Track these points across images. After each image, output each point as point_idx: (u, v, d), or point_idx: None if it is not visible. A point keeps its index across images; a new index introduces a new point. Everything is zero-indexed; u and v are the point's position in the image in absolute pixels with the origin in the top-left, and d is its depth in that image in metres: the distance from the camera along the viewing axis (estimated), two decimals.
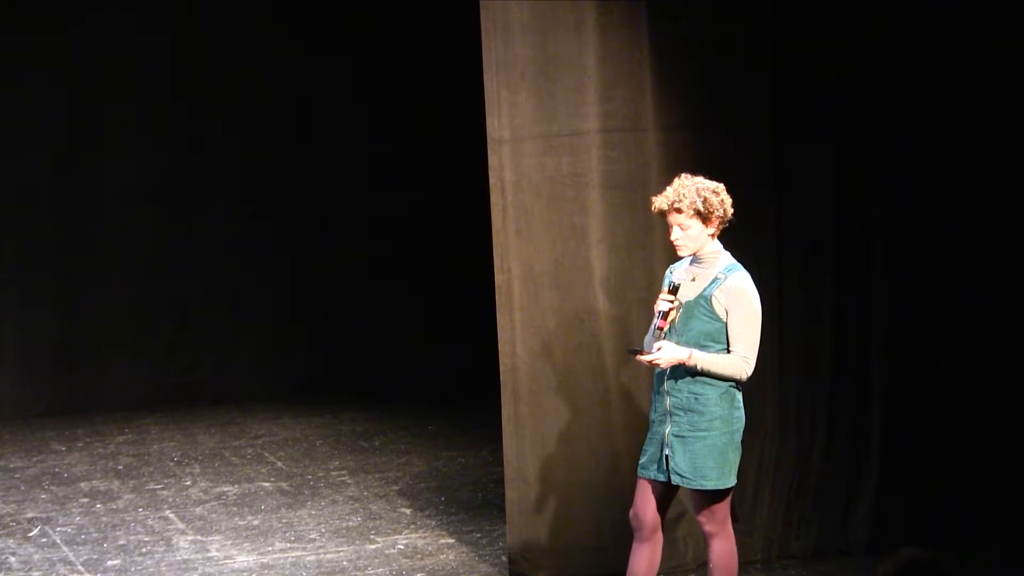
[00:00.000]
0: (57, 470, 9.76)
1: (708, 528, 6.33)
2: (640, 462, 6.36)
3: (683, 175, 6.25)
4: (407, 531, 8.36)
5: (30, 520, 8.65)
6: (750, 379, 6.23)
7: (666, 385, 6.24)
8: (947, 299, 7.81)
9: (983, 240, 7.81)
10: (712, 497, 6.25)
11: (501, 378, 7.35)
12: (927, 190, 7.72)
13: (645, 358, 6.16)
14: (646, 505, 6.34)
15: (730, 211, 6.21)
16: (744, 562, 7.47)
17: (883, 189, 7.68)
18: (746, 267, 6.26)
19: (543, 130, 7.28)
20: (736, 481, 6.29)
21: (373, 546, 8.11)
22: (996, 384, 7.89)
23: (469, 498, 8.99)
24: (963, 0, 7.63)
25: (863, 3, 7.58)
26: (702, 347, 6.15)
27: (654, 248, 7.35)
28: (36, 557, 7.99)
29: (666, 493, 6.34)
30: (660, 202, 6.21)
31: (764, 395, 7.54)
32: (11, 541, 8.26)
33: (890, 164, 7.67)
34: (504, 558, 7.66)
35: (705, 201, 6.13)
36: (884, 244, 7.70)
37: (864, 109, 7.61)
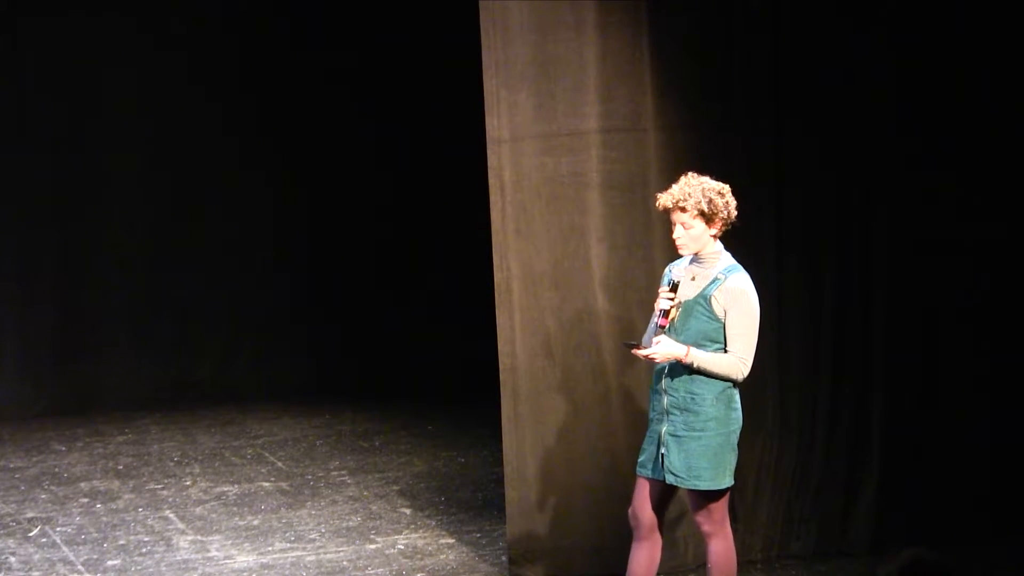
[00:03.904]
0: (57, 470, 9.76)
1: (706, 528, 6.33)
2: (639, 460, 6.37)
3: (690, 174, 6.24)
4: (407, 531, 8.36)
5: (30, 520, 8.65)
6: (749, 379, 6.22)
7: (664, 384, 6.24)
8: (947, 299, 7.81)
9: (983, 239, 7.81)
10: (708, 497, 6.25)
11: (501, 378, 7.35)
12: (927, 190, 7.72)
13: (642, 352, 6.16)
14: (644, 504, 6.34)
15: (734, 213, 6.21)
16: (744, 562, 7.48)
17: (883, 189, 7.68)
18: (746, 267, 6.26)
19: (543, 130, 7.28)
20: (733, 482, 6.28)
21: (373, 546, 8.11)
22: (997, 384, 7.88)
23: (469, 498, 8.99)
24: (965, 1, 7.65)
25: (863, 3, 7.58)
26: (700, 346, 6.15)
27: (654, 248, 7.35)
28: (36, 557, 7.99)
29: (664, 492, 6.34)
30: (665, 199, 6.21)
31: (764, 395, 7.54)
32: (11, 541, 8.26)
33: (890, 164, 7.67)
34: (504, 558, 7.66)
35: (710, 202, 6.13)
36: (884, 244, 7.70)
37: (865, 109, 7.61)
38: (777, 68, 7.53)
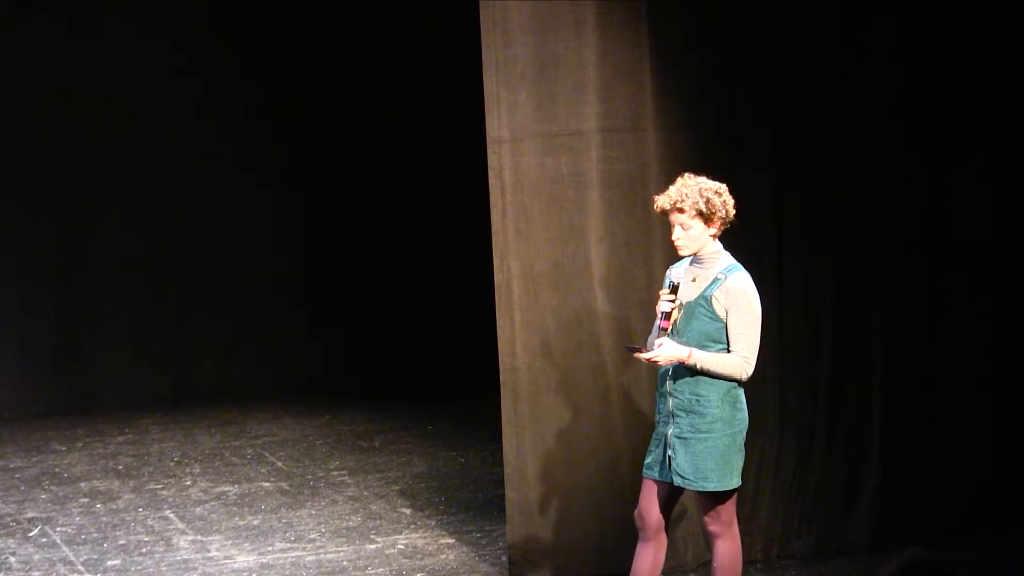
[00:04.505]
0: (57, 470, 9.76)
1: (713, 528, 6.33)
2: (645, 462, 6.36)
3: (686, 174, 6.24)
4: (407, 531, 8.36)
5: (30, 520, 8.65)
6: (750, 379, 6.22)
7: (668, 386, 6.24)
8: (948, 298, 7.81)
9: (983, 239, 7.81)
10: (716, 498, 6.25)
11: (501, 378, 7.35)
12: (927, 190, 7.72)
13: (644, 356, 6.16)
14: (651, 505, 6.34)
15: (732, 212, 6.21)
16: (744, 562, 7.46)
17: (883, 190, 7.68)
18: (746, 268, 6.26)
19: (543, 130, 7.28)
20: (740, 483, 6.29)
21: (373, 546, 8.11)
22: (996, 384, 7.89)
23: (469, 498, 8.99)
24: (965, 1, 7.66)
25: (863, 4, 7.58)
26: (703, 347, 6.15)
27: (654, 248, 7.35)
28: (36, 557, 7.99)
29: (671, 494, 6.34)
30: (663, 201, 6.21)
31: (764, 395, 7.54)
32: (11, 541, 8.26)
33: (890, 164, 7.67)
34: (504, 558, 7.66)
35: (708, 202, 6.13)
36: (884, 244, 7.70)
37: (865, 109, 7.61)
38: (777, 68, 7.53)
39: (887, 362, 7.73)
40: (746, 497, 7.58)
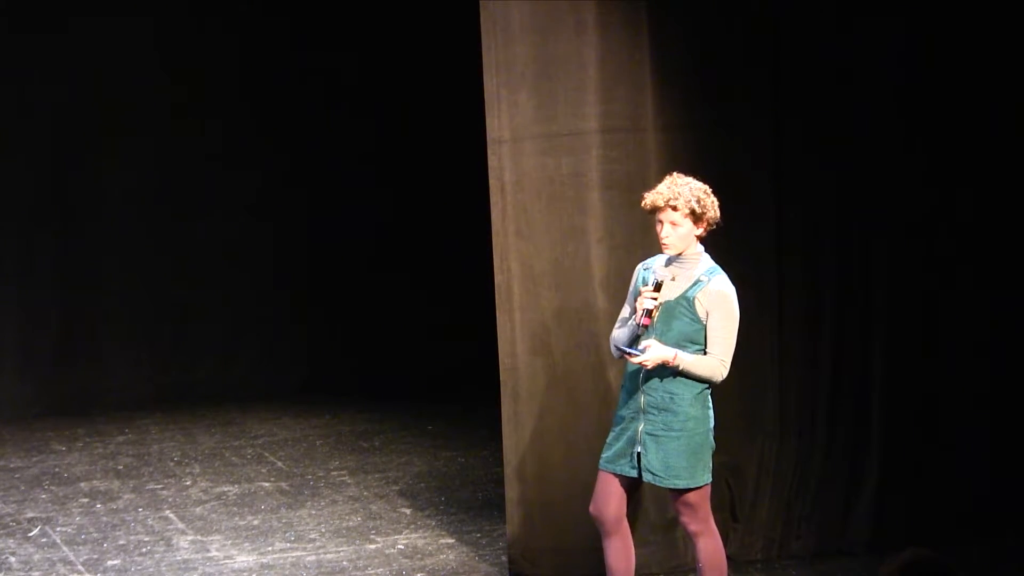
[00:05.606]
0: (57, 470, 9.76)
1: (692, 528, 6.35)
2: (604, 456, 6.36)
3: (675, 174, 6.28)
4: (407, 531, 8.36)
5: (30, 520, 8.65)
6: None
7: (641, 383, 6.24)
8: (947, 298, 7.81)
9: (983, 239, 7.81)
10: (689, 495, 6.26)
11: (501, 378, 7.36)
12: (927, 189, 7.73)
13: (635, 359, 6.15)
14: (609, 499, 6.35)
15: (718, 214, 6.23)
16: (744, 562, 7.49)
17: (883, 189, 7.68)
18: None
19: (543, 130, 7.28)
20: (711, 479, 6.31)
21: (373, 546, 8.11)
22: (996, 383, 7.89)
23: (469, 498, 8.99)
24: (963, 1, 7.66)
25: (863, 4, 7.58)
26: (681, 347, 6.17)
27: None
28: (36, 557, 7.99)
29: (631, 488, 6.36)
30: (655, 199, 6.22)
31: (764, 395, 7.54)
32: (11, 541, 8.26)
33: (890, 164, 7.67)
34: (504, 558, 7.66)
35: (699, 201, 6.17)
36: (884, 244, 7.70)
37: (864, 109, 7.61)
38: (777, 68, 7.53)
39: (887, 362, 7.73)
40: (746, 497, 7.59)
